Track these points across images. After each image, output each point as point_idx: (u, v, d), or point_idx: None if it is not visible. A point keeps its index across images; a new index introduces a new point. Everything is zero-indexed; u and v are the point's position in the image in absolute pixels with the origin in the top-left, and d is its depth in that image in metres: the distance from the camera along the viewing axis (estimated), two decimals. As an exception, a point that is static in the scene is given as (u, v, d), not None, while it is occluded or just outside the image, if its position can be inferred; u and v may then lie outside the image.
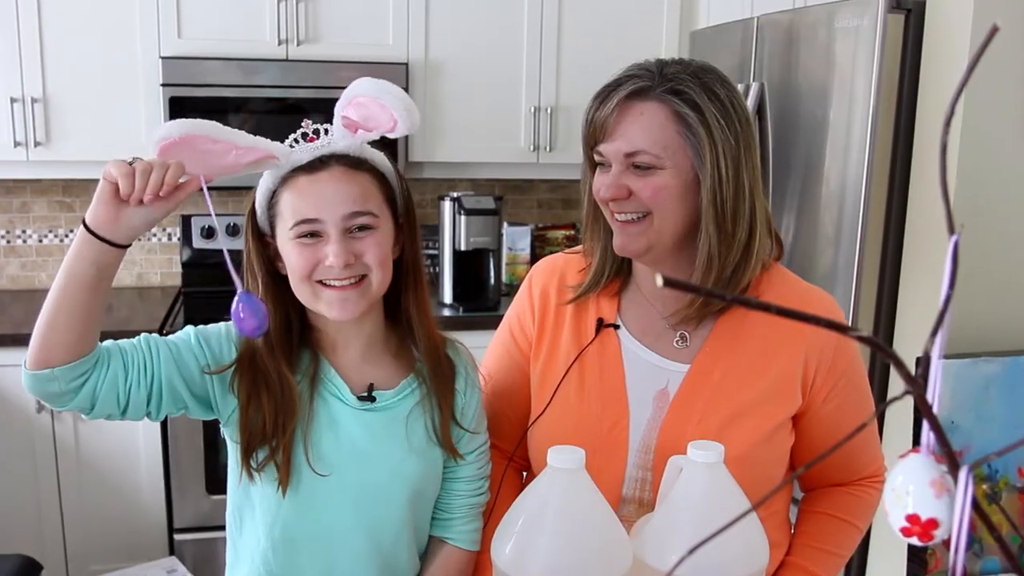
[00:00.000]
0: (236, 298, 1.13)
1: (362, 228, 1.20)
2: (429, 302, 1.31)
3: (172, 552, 2.88)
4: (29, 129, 2.88)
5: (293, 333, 1.26)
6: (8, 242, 3.29)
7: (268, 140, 1.19)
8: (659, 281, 0.50)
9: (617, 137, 1.17)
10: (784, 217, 2.24)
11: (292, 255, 1.20)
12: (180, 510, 2.88)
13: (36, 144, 2.89)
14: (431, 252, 3.49)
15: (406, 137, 3.11)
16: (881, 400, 2.02)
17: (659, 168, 1.16)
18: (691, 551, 0.59)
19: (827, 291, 2.11)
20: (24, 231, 3.30)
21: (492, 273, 3.21)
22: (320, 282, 1.20)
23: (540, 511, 1.03)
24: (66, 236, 3.32)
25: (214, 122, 1.14)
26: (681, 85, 1.16)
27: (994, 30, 0.55)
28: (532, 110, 3.23)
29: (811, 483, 1.36)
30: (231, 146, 1.15)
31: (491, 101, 3.21)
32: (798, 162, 2.17)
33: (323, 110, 3.31)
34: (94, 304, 1.11)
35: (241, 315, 1.12)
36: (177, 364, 1.20)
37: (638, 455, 1.23)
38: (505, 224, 3.44)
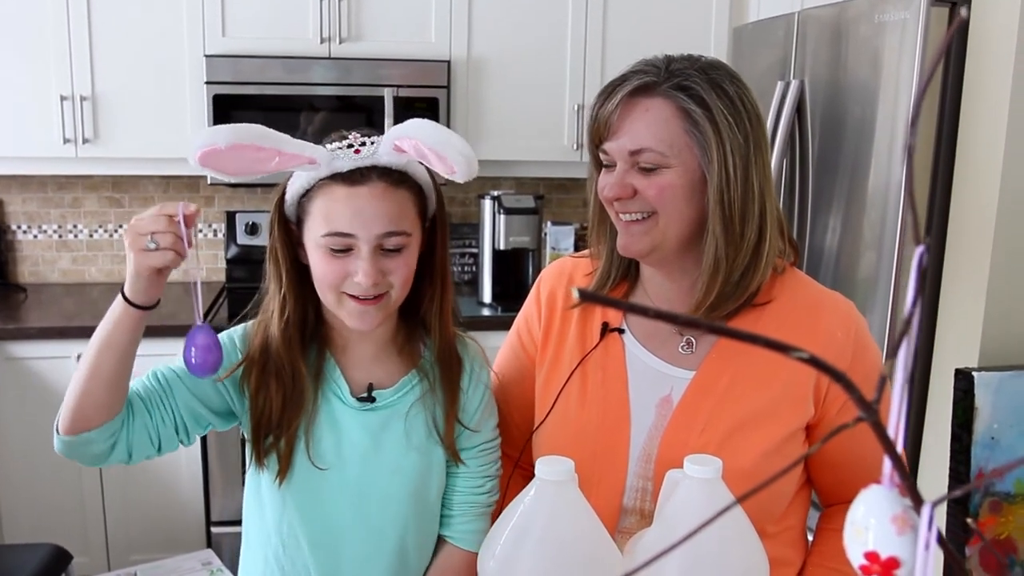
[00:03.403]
0: (193, 331, 1.10)
1: (393, 248, 1.18)
2: (451, 309, 1.28)
3: (209, 544, 2.92)
4: (78, 126, 2.94)
5: (308, 327, 1.25)
6: (60, 236, 3.37)
7: (313, 145, 1.15)
8: (575, 295, 0.47)
9: (621, 135, 1.13)
10: (831, 219, 2.16)
11: (320, 263, 1.18)
12: (218, 503, 2.91)
13: (84, 141, 2.95)
14: (471, 251, 3.48)
15: (447, 135, 3.09)
16: (915, 412, 1.93)
17: (664, 167, 1.11)
18: (649, 561, 0.55)
19: (868, 295, 2.05)
20: (75, 226, 3.37)
21: (531, 273, 3.18)
22: (344, 292, 1.18)
23: (526, 524, 1.00)
24: (115, 231, 3.38)
25: (260, 127, 1.11)
26: (688, 81, 1.11)
27: (960, 21, 0.50)
28: (576, 108, 3.18)
29: (830, 499, 1.30)
30: (275, 152, 1.12)
31: (534, 99, 3.17)
32: (844, 162, 2.08)
33: (366, 108, 3.31)
34: (130, 365, 1.13)
35: (196, 349, 1.09)
36: (190, 388, 1.20)
37: (639, 464, 1.18)
38: (548, 223, 3.40)
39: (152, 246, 1.07)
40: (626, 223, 1.16)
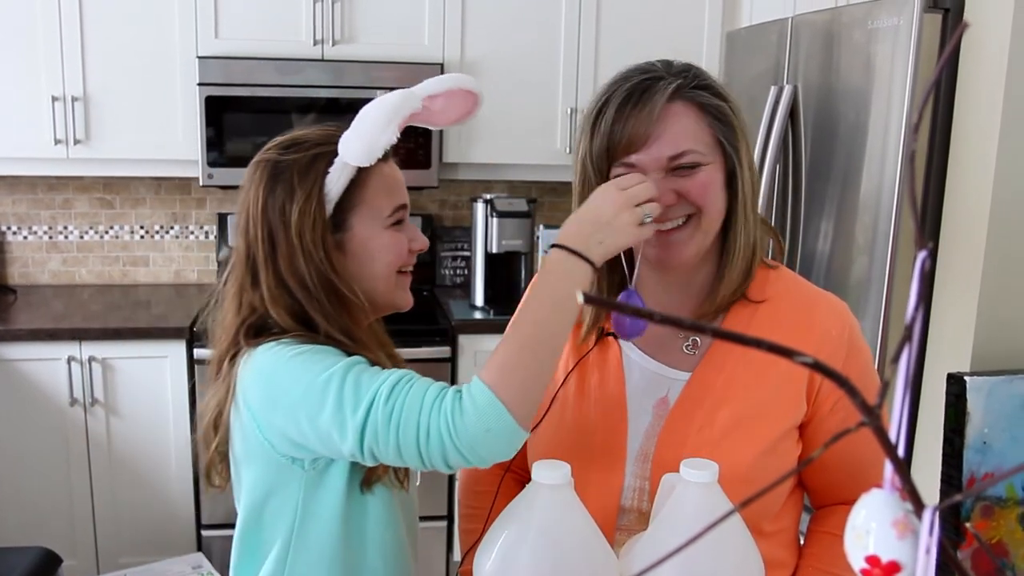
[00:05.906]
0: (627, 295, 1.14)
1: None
2: None
3: (199, 548, 2.90)
4: (69, 127, 2.92)
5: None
6: (50, 238, 3.35)
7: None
8: (579, 299, 0.47)
9: (653, 143, 1.11)
10: (823, 223, 2.17)
11: (387, 244, 1.19)
12: (208, 506, 2.90)
13: (76, 142, 2.94)
14: (464, 254, 3.47)
15: (441, 138, 3.10)
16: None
17: (703, 164, 1.13)
18: (651, 566, 0.55)
19: (861, 299, 2.05)
20: (66, 227, 3.35)
21: (524, 276, 3.18)
22: (401, 271, 1.23)
23: (523, 528, 1.00)
24: (106, 233, 3.37)
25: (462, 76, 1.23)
26: (703, 79, 1.14)
27: (964, 26, 0.50)
28: (568, 111, 3.18)
29: (820, 500, 1.30)
30: (475, 97, 1.25)
31: (527, 102, 3.18)
32: (836, 166, 2.09)
33: (358, 110, 3.27)
34: None
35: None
36: None
37: (636, 464, 1.18)
38: (541, 226, 3.40)
39: (648, 220, 1.08)
40: (665, 233, 1.15)
